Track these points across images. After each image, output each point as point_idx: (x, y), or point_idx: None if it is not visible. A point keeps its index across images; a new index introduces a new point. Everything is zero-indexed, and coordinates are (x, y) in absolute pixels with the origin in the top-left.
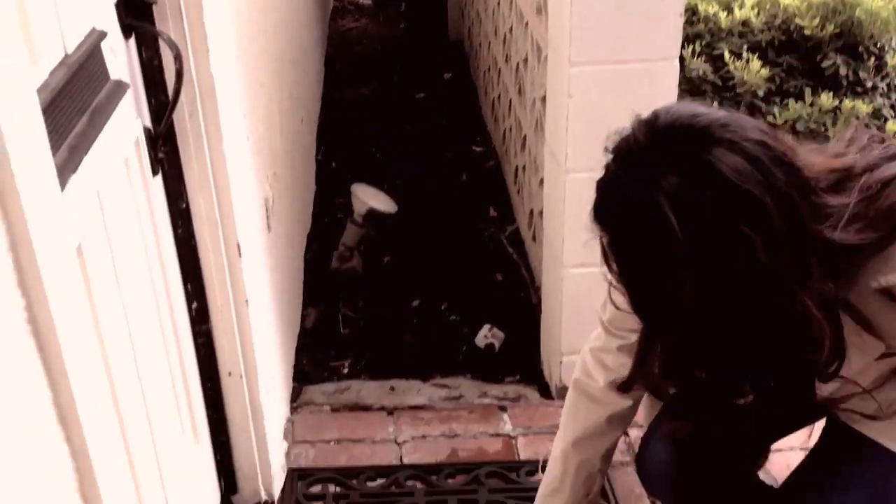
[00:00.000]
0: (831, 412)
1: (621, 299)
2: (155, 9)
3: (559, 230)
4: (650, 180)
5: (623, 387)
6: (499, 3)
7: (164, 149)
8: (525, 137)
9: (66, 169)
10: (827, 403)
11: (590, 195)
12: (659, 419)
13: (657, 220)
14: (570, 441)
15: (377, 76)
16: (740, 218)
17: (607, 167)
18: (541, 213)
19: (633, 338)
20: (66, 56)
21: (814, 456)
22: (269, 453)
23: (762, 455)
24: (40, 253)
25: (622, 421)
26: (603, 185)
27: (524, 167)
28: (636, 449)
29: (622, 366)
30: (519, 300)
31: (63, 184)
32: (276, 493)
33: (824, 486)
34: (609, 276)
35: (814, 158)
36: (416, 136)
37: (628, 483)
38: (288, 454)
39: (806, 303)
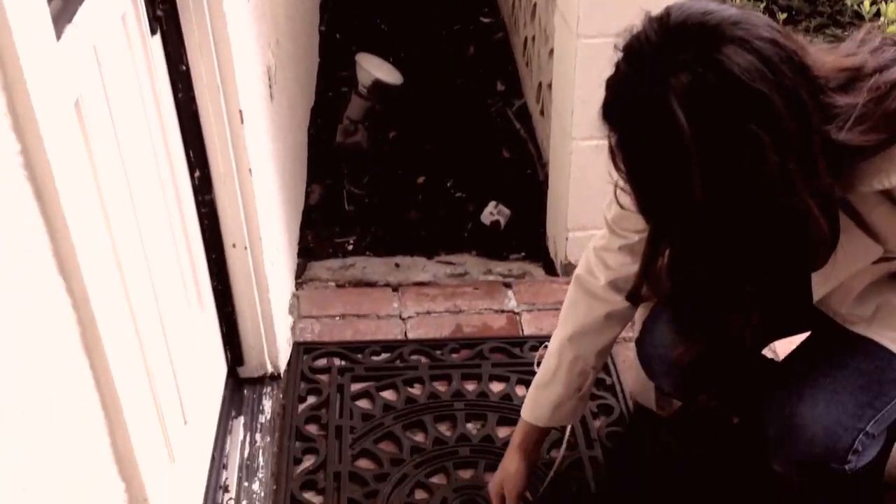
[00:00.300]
0: (828, 317)
1: (627, 199)
2: None
3: (569, 101)
4: (661, 79)
5: (630, 296)
6: None
7: (162, 6)
8: (535, 5)
9: (61, 18)
10: (824, 308)
11: (602, 62)
12: (659, 306)
13: (667, 119)
14: (566, 336)
15: None
16: (750, 117)
17: (617, 65)
18: (549, 85)
19: (636, 238)
20: None
21: (809, 345)
22: (275, 326)
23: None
24: (36, 98)
25: (620, 319)
26: (613, 84)
27: (533, 37)
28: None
29: (623, 265)
30: (525, 177)
31: (58, 33)
32: (282, 365)
33: (821, 366)
34: (615, 177)
35: (824, 57)
36: (422, 6)
37: (629, 358)
38: (293, 328)
39: (809, 203)
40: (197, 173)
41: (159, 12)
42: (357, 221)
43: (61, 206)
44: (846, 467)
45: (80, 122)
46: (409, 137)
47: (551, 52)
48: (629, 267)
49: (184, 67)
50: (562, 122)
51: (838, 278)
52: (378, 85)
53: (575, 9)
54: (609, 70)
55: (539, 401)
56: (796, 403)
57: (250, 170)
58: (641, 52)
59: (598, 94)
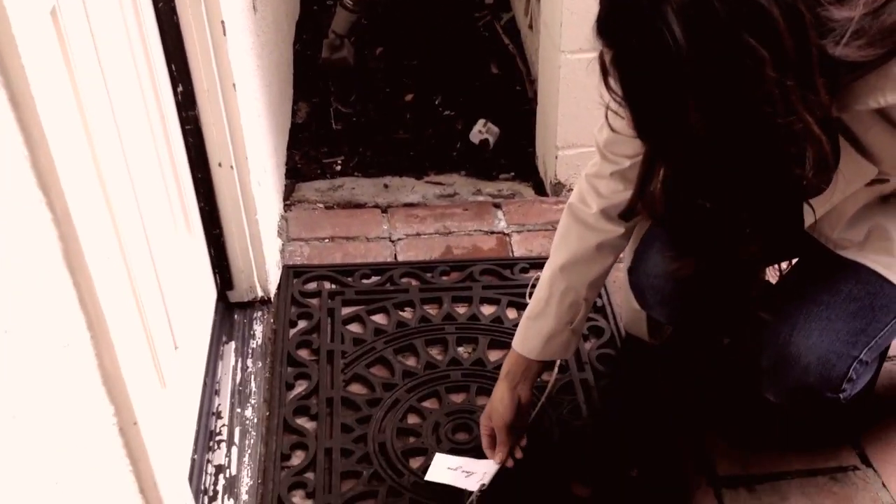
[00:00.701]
0: (820, 243)
1: (619, 122)
2: None
3: (557, 12)
4: None
5: (624, 214)
6: None
7: None
8: None
9: None
10: (814, 233)
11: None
12: (654, 231)
13: (664, 33)
14: (558, 265)
15: None
16: (748, 30)
17: None
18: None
19: (627, 164)
20: None
21: (800, 271)
22: (264, 249)
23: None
24: (10, 5)
25: (612, 250)
26: None
27: None
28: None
29: (615, 192)
30: (515, 93)
31: None
32: (272, 289)
33: (813, 293)
34: (606, 98)
35: None
36: None
37: (619, 279)
38: (283, 252)
39: (808, 120)
40: (180, 88)
41: None
42: (345, 141)
43: (38, 113)
44: (841, 395)
45: (57, 30)
46: (396, 53)
47: None
48: (621, 194)
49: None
50: (551, 34)
51: (832, 202)
52: None
53: None
54: None
55: (530, 332)
56: (789, 333)
57: (234, 84)
58: None
59: (588, 5)
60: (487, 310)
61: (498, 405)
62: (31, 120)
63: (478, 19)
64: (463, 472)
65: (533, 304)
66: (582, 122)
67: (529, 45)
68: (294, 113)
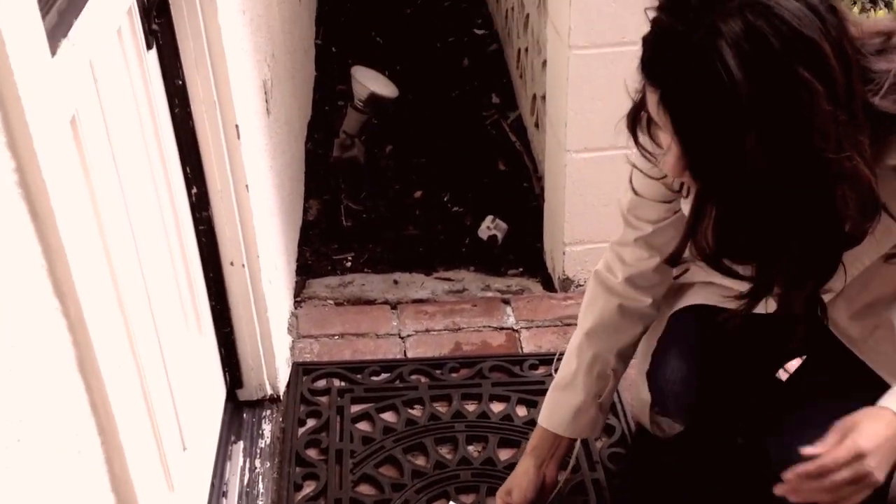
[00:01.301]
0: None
1: (643, 185)
2: None
3: (562, 113)
4: (710, 26)
5: (671, 259)
6: None
7: (158, 21)
8: (528, 16)
9: (56, 33)
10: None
11: (594, 73)
12: (671, 334)
13: (718, 67)
14: (584, 331)
15: None
16: (803, 64)
17: (656, 20)
18: (543, 97)
19: (650, 229)
20: None
21: (811, 369)
22: (274, 347)
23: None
24: (31, 114)
25: (640, 318)
26: (654, 38)
27: (526, 49)
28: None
29: (640, 260)
30: (522, 190)
31: (53, 49)
32: (282, 387)
33: (822, 394)
34: (631, 158)
35: (858, 20)
36: (417, 18)
37: (629, 375)
38: (292, 348)
39: (857, 159)
40: (194, 190)
41: (155, 26)
42: (355, 237)
43: (57, 225)
44: None
45: (76, 139)
46: (405, 151)
47: (544, 63)
48: (646, 262)
49: (180, 82)
50: (556, 134)
51: (863, 262)
52: (374, 98)
53: (566, 20)
54: (601, 80)
55: (559, 405)
56: (797, 434)
57: (247, 186)
58: (687, 2)
59: (591, 106)
60: (497, 407)
61: (521, 480)
62: (49, 232)
63: (485, 118)
64: None
65: (560, 374)
66: (589, 218)
67: (536, 143)
68: (305, 210)
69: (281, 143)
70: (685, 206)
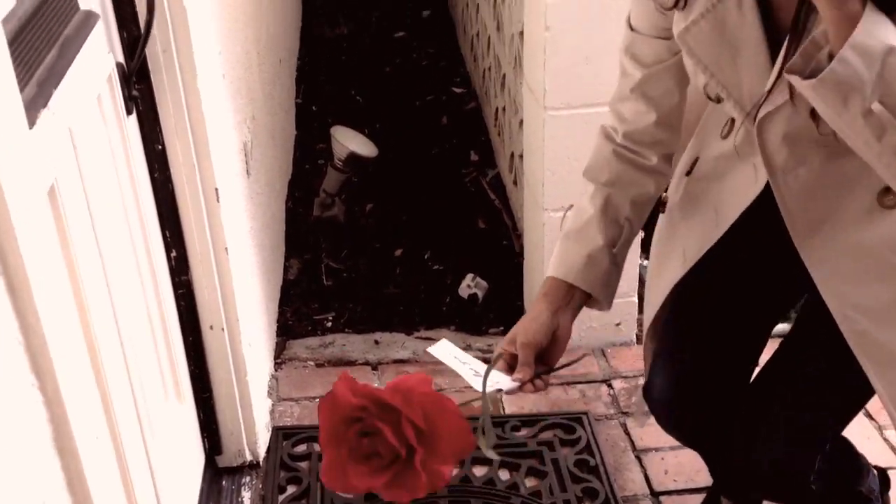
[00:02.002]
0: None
1: (637, 13)
2: None
3: (539, 172)
4: None
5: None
6: None
7: (137, 86)
8: (504, 76)
9: (35, 104)
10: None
11: (570, 133)
12: (660, 349)
13: None
14: (595, 181)
15: (356, 14)
16: None
17: None
18: (521, 156)
19: (645, 73)
20: None
21: (784, 362)
22: (254, 411)
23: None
24: (7, 188)
25: (650, 174)
26: None
27: (504, 108)
28: (619, 400)
29: (638, 114)
30: (502, 247)
31: (32, 120)
32: (262, 452)
33: (788, 400)
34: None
35: None
36: (396, 77)
37: (612, 437)
38: (272, 412)
39: None
40: (173, 253)
41: (135, 92)
42: (336, 297)
43: (34, 300)
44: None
45: (55, 209)
46: (385, 209)
47: (521, 122)
48: (644, 117)
49: (159, 147)
50: (533, 193)
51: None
52: (353, 157)
53: (540, 82)
54: (577, 140)
55: (570, 253)
56: (748, 447)
57: (227, 249)
58: None
59: (568, 166)
60: (480, 471)
61: (531, 324)
62: (27, 308)
63: (464, 175)
64: (471, 369)
65: (571, 223)
66: None
67: (515, 201)
68: (286, 270)
69: (261, 203)
70: (677, 24)
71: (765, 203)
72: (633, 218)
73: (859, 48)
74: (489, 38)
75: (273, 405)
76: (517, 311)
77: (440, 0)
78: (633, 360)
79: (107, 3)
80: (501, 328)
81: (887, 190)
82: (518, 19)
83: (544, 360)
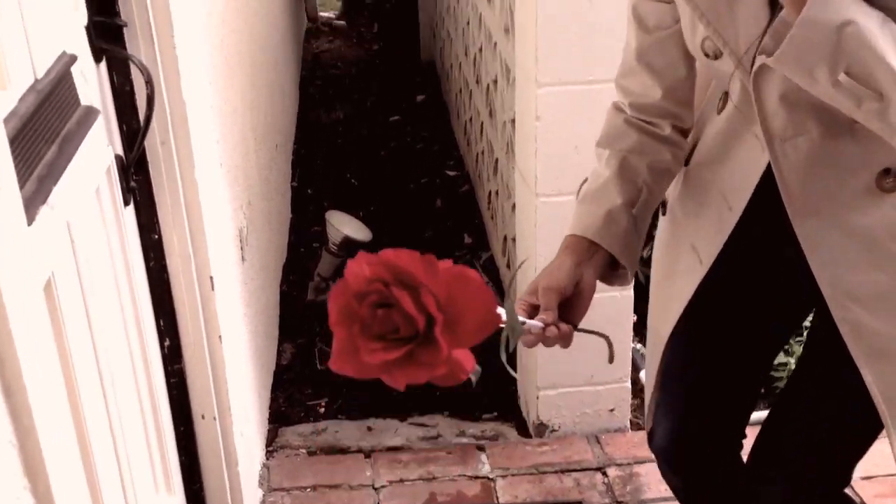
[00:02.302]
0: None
1: None
2: (126, 32)
3: (532, 257)
4: None
5: None
6: (468, 23)
7: (136, 177)
8: (497, 161)
9: (34, 200)
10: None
11: (562, 219)
12: (662, 395)
13: None
14: (610, 143)
15: (351, 99)
16: None
17: None
18: (514, 239)
19: (650, 38)
20: (36, 81)
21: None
22: (244, 503)
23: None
24: (4, 287)
25: (663, 142)
26: None
27: (497, 192)
28: (614, 489)
29: (644, 87)
30: (496, 332)
31: (31, 217)
32: None
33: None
34: None
35: None
36: (391, 160)
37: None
38: (263, 503)
39: None
40: (167, 343)
41: (133, 183)
42: (329, 382)
43: (29, 403)
44: None
45: (51, 304)
46: None
47: (514, 207)
48: (651, 90)
49: (156, 236)
50: (526, 277)
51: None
52: (348, 242)
53: (532, 168)
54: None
55: (587, 213)
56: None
57: (220, 337)
58: None
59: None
60: None
61: (553, 271)
62: (21, 410)
63: (458, 258)
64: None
65: (587, 187)
66: (564, 363)
67: (508, 284)
68: (279, 354)
69: (256, 288)
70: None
71: (770, 191)
72: (651, 183)
73: (810, 22)
74: (482, 123)
75: (264, 496)
76: (511, 397)
77: (434, 85)
78: (628, 447)
79: (107, 98)
80: (495, 413)
81: (886, 172)
82: (510, 107)
83: (566, 317)
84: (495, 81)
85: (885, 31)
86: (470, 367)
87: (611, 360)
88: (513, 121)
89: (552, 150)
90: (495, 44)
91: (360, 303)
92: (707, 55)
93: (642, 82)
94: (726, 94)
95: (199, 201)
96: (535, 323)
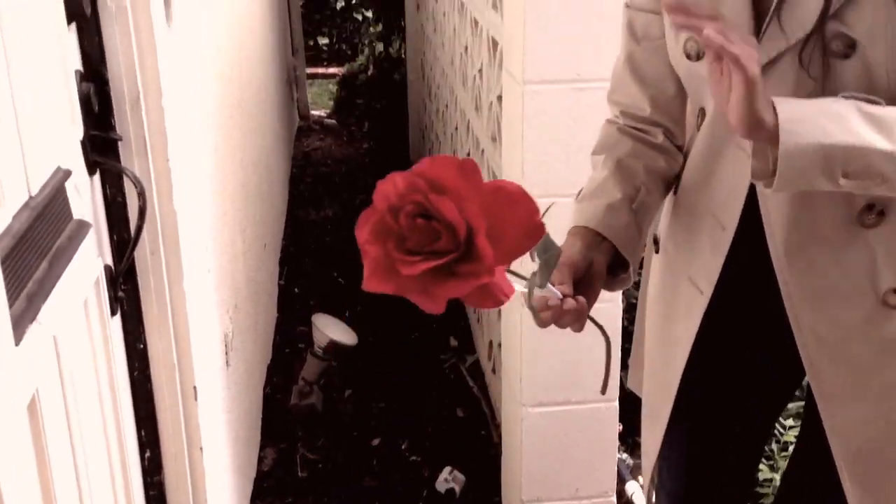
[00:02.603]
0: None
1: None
2: (120, 145)
3: (517, 366)
4: None
5: None
6: (456, 128)
7: (123, 287)
8: None
9: (23, 320)
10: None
11: (546, 331)
12: (665, 452)
13: None
14: (605, 147)
15: (341, 197)
16: None
17: None
18: (500, 344)
19: (633, 48)
20: (31, 198)
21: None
22: None
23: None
24: None
25: (657, 150)
26: None
27: None
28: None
29: (632, 97)
30: (480, 437)
31: (20, 337)
32: None
33: None
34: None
35: None
36: None
37: None
38: None
39: None
40: (147, 454)
41: (120, 293)
42: (311, 489)
43: None
44: None
45: (34, 422)
46: (364, 395)
47: (500, 312)
48: (640, 101)
49: (141, 346)
50: (511, 387)
51: None
52: (334, 346)
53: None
54: (554, 335)
55: (588, 207)
56: None
57: (202, 448)
58: None
59: (545, 362)
60: None
61: (566, 249)
62: None
63: (443, 361)
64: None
65: (585, 188)
66: (549, 475)
67: (493, 388)
68: (260, 459)
69: (239, 393)
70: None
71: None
72: (648, 184)
73: (791, 155)
74: None
75: None
76: None
77: None
78: None
79: (99, 209)
80: None
81: (869, 208)
82: None
83: (579, 284)
84: None
85: (860, 116)
86: (510, 291)
87: (604, 388)
88: None
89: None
90: (483, 150)
91: (395, 216)
92: (689, 56)
93: (631, 93)
94: (703, 109)
95: (186, 311)
96: (555, 290)
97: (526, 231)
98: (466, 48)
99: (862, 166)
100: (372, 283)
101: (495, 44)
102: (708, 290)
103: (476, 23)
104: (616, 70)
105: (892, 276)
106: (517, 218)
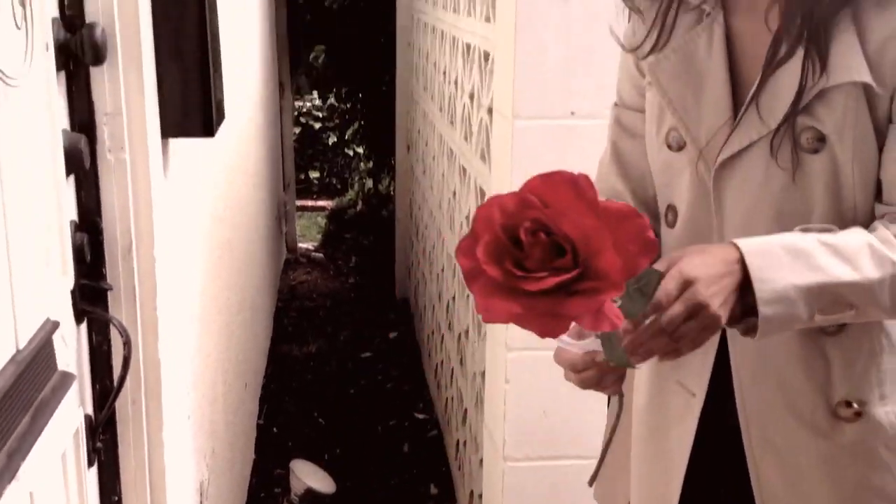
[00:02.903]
0: None
1: (622, 79)
2: (110, 293)
3: None
4: None
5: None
6: (442, 270)
7: (102, 437)
8: (466, 411)
9: (2, 479)
10: None
11: (529, 485)
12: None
13: None
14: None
15: (325, 332)
16: None
17: None
18: (481, 496)
19: (618, 137)
20: (17, 352)
21: None
22: None
23: None
24: None
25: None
26: None
27: (465, 442)
28: None
29: (616, 192)
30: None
31: None
32: None
33: None
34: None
35: None
36: (360, 399)
37: None
38: None
39: None
40: None
41: (99, 444)
42: None
43: None
44: None
45: None
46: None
47: (482, 461)
48: (623, 196)
49: (116, 498)
50: None
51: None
52: (311, 494)
53: (501, 430)
54: (536, 492)
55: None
56: None
57: None
58: None
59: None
60: None
61: None
62: None
63: None
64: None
65: None
66: None
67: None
68: None
69: None
70: (650, 63)
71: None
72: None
73: (769, 319)
74: (452, 370)
75: None
76: None
77: (407, 323)
78: None
79: (83, 358)
80: None
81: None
82: (480, 360)
83: None
84: (467, 332)
85: (823, 250)
86: (621, 317)
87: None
88: (483, 373)
89: (522, 413)
90: (468, 296)
91: (511, 235)
92: (670, 147)
93: (613, 187)
94: (671, 206)
95: (164, 462)
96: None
97: (641, 247)
98: (455, 193)
99: (834, 300)
100: (494, 306)
101: (482, 193)
102: (702, 393)
103: (464, 170)
104: (602, 163)
105: (844, 388)
106: (629, 234)
